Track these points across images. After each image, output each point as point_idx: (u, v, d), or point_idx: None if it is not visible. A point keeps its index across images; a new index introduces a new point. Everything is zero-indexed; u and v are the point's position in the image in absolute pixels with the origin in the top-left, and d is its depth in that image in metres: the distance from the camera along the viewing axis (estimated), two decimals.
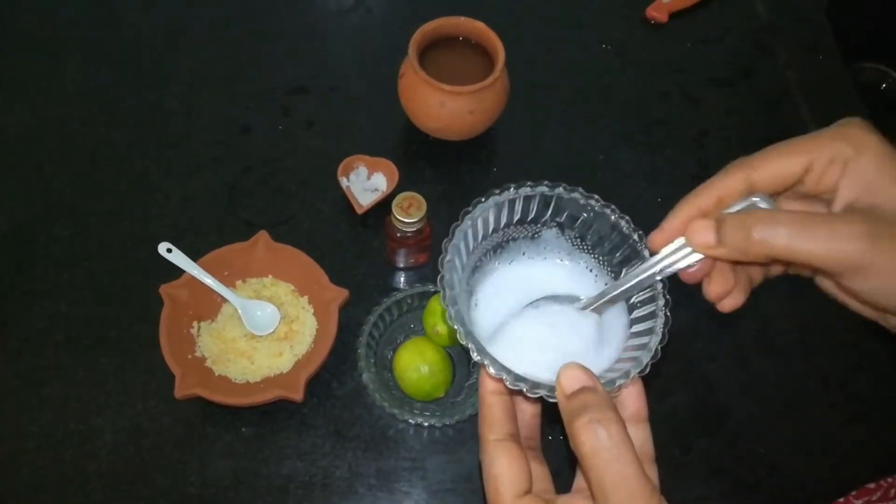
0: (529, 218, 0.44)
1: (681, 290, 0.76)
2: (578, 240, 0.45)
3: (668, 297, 0.42)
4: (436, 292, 0.69)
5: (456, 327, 0.39)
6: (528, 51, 0.91)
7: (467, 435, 0.68)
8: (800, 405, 0.71)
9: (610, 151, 0.85)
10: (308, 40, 0.91)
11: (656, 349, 0.41)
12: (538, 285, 0.45)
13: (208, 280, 0.69)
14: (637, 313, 0.44)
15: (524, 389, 0.38)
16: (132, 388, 0.69)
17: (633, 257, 0.43)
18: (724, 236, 0.38)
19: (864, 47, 1.13)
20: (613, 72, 0.92)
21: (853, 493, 0.66)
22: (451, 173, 0.82)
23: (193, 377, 0.65)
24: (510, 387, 0.38)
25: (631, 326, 0.44)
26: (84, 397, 0.69)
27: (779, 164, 0.40)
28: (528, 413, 0.43)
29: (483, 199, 0.41)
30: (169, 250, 0.69)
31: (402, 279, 0.76)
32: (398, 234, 0.69)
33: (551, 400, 0.38)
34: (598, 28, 0.95)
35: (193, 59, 0.89)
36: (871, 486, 0.66)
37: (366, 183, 0.79)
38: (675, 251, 0.40)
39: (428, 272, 0.76)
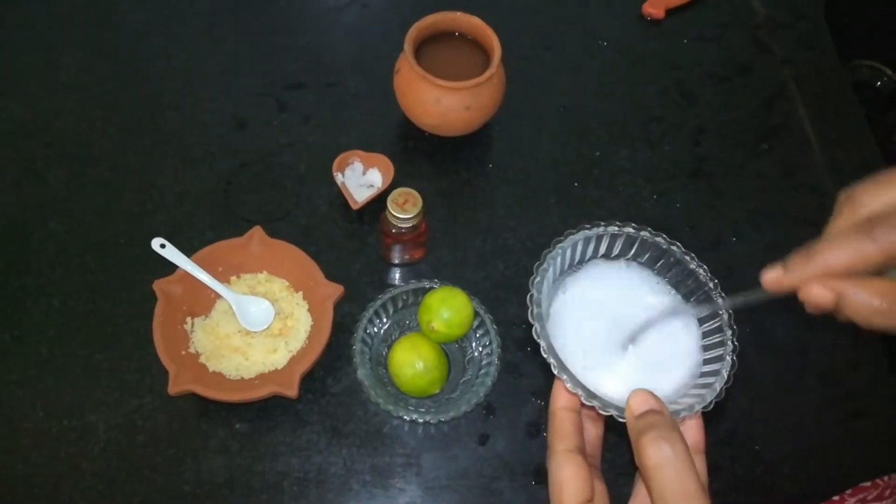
0: (614, 253, 0.49)
1: None
2: (659, 277, 0.49)
3: (735, 343, 0.46)
4: (431, 289, 0.68)
5: (540, 342, 0.42)
6: (524, 47, 0.91)
7: (462, 432, 0.68)
8: (796, 403, 0.71)
9: (606, 147, 0.84)
10: (304, 35, 0.91)
11: (721, 389, 0.45)
12: (607, 306, 0.48)
13: (202, 276, 0.68)
14: (706, 354, 0.47)
15: (597, 406, 0.41)
16: (126, 385, 0.69)
17: (706, 302, 0.47)
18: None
19: (860, 45, 1.12)
20: (610, 68, 0.91)
21: (848, 491, 0.66)
22: (447, 169, 0.82)
23: (187, 374, 0.65)
24: (584, 402, 0.41)
25: (701, 364, 0.47)
26: (78, 394, 0.68)
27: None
28: (593, 434, 0.47)
29: (574, 232, 0.46)
30: (163, 246, 0.69)
31: (398, 275, 0.76)
32: (393, 230, 0.69)
33: (619, 419, 0.40)
34: (594, 24, 0.95)
35: (189, 53, 0.89)
36: (867, 484, 0.66)
37: (361, 178, 0.79)
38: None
39: (423, 268, 0.76)
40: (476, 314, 0.68)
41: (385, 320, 0.71)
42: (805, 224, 0.81)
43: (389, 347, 0.69)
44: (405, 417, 0.64)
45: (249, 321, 0.69)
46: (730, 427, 0.70)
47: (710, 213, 0.81)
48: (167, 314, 0.67)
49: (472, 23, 0.77)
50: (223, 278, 0.70)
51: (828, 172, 0.84)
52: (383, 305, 0.69)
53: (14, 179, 0.79)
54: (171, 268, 0.69)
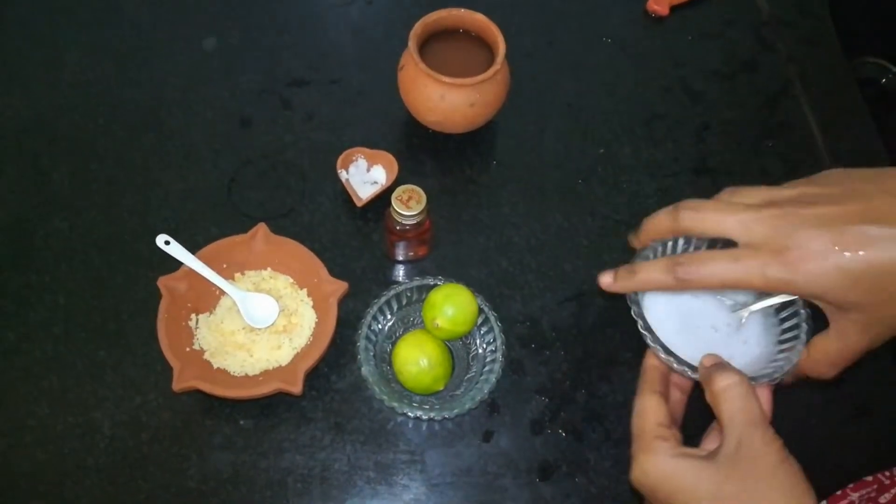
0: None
1: None
2: None
3: (810, 323, 0.53)
4: (435, 286, 0.68)
5: (637, 319, 0.54)
6: (528, 44, 0.91)
7: (466, 429, 0.68)
8: (797, 399, 0.71)
9: (610, 145, 0.84)
10: (308, 32, 0.91)
11: (796, 361, 0.53)
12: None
13: (207, 272, 0.68)
14: (784, 333, 0.56)
15: (673, 364, 0.52)
16: (131, 382, 0.69)
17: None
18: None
19: (865, 42, 1.12)
20: (614, 65, 0.91)
21: (850, 485, 0.66)
22: (451, 166, 0.81)
23: (192, 370, 0.65)
24: (663, 361, 0.53)
25: (778, 343, 0.56)
26: (82, 390, 0.69)
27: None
28: (677, 397, 0.55)
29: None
30: (167, 242, 0.69)
31: (402, 272, 0.76)
32: (398, 227, 0.69)
33: (692, 376, 0.52)
34: (599, 21, 0.95)
35: (193, 50, 0.89)
36: (869, 478, 0.66)
37: (365, 175, 0.78)
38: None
39: (427, 265, 0.76)
40: (480, 311, 0.68)
41: (389, 317, 0.71)
42: None
43: (394, 344, 0.69)
44: (409, 414, 0.64)
45: (254, 318, 0.69)
46: None
47: None
48: (172, 311, 0.67)
49: (476, 19, 0.77)
50: (228, 275, 0.70)
51: (833, 168, 0.84)
52: (387, 302, 0.69)
53: (18, 177, 0.80)
54: (175, 264, 0.69)
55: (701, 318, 0.57)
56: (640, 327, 0.54)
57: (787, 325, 0.55)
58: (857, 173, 0.47)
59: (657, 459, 0.46)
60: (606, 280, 0.56)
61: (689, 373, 0.52)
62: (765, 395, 0.50)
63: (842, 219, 0.44)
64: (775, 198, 0.48)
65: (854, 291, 0.44)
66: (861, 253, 0.43)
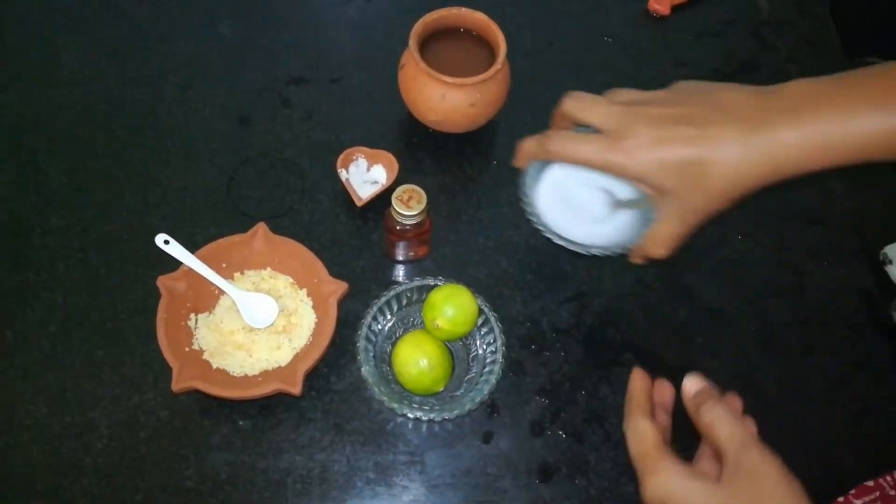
0: None
1: (681, 288, 0.77)
2: None
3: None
4: (435, 286, 0.68)
5: (526, 208, 0.66)
6: (529, 43, 0.90)
7: (466, 430, 0.68)
8: (800, 403, 0.71)
9: None
10: (307, 30, 0.91)
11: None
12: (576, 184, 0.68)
13: (206, 272, 0.68)
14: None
15: (557, 240, 0.65)
16: (129, 381, 0.69)
17: None
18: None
19: (865, 42, 1.12)
20: (615, 64, 0.91)
21: (852, 491, 0.65)
22: (452, 166, 0.81)
23: (191, 370, 0.64)
24: (566, 247, 0.65)
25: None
26: (80, 390, 0.68)
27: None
28: (663, 419, 0.57)
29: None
30: (166, 242, 0.68)
31: (402, 272, 0.75)
32: (398, 227, 0.69)
33: (572, 248, 0.64)
34: (599, 20, 0.94)
35: (191, 47, 0.88)
36: (870, 483, 0.66)
37: (365, 175, 0.78)
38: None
39: (427, 265, 0.75)
40: (480, 312, 0.68)
41: (389, 317, 0.71)
42: (810, 222, 0.81)
43: (393, 345, 0.68)
44: (409, 415, 0.64)
45: (253, 318, 0.69)
46: None
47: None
48: (171, 310, 0.66)
49: (477, 18, 0.77)
50: (227, 275, 0.70)
51: (832, 170, 0.84)
52: (387, 302, 0.69)
53: (16, 175, 0.79)
54: (173, 263, 0.69)
55: (581, 207, 0.67)
56: (528, 214, 0.66)
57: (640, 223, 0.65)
58: (699, 85, 0.56)
59: (669, 480, 0.49)
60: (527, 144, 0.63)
61: (570, 247, 0.64)
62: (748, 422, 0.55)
63: (667, 118, 0.53)
64: (634, 99, 0.57)
65: (668, 179, 0.53)
66: (672, 147, 0.52)
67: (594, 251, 0.64)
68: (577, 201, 0.68)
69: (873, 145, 0.50)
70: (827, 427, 0.70)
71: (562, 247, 0.65)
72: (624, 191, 0.66)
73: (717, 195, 0.54)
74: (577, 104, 0.58)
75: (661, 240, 0.59)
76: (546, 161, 0.68)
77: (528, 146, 0.62)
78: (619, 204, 0.67)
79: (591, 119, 0.57)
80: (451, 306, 0.65)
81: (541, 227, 0.66)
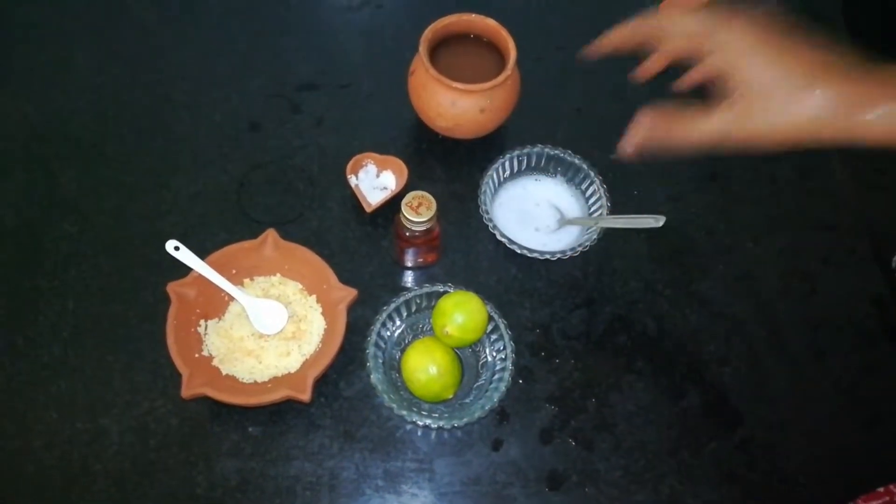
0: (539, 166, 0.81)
1: (692, 294, 0.76)
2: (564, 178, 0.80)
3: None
4: (445, 292, 0.68)
5: (487, 222, 0.73)
6: (537, 48, 0.90)
7: (475, 437, 0.68)
8: (811, 409, 0.71)
9: None
10: (318, 36, 0.91)
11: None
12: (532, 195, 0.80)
13: (216, 278, 0.68)
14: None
15: (507, 244, 0.73)
16: (139, 387, 0.69)
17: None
18: None
19: (878, 45, 1.11)
20: (624, 70, 0.90)
21: (861, 497, 0.65)
22: (461, 172, 0.81)
23: (201, 376, 0.64)
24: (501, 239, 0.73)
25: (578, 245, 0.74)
26: (90, 396, 0.68)
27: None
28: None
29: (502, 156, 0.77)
30: (176, 248, 0.68)
31: (411, 279, 0.75)
32: (407, 234, 0.69)
33: (521, 252, 0.72)
34: (609, 26, 0.94)
35: (202, 54, 0.89)
36: (881, 490, 0.65)
37: (375, 181, 0.78)
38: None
39: (437, 272, 0.75)
40: (490, 318, 0.68)
41: (398, 324, 0.71)
42: (821, 228, 0.80)
43: (403, 351, 0.68)
44: (418, 422, 0.64)
45: (263, 324, 0.69)
46: (746, 433, 0.69)
47: (725, 217, 0.80)
48: (181, 317, 0.67)
49: (487, 24, 0.77)
50: (237, 281, 0.70)
51: (843, 175, 0.83)
52: (397, 309, 0.69)
53: (27, 180, 0.79)
54: (183, 269, 0.69)
55: (531, 220, 0.78)
56: (490, 227, 0.73)
57: (584, 237, 0.75)
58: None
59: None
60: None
61: (518, 250, 0.72)
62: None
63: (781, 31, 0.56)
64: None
65: (763, 76, 0.53)
66: (785, 54, 0.54)
67: (546, 255, 0.72)
68: (530, 216, 0.78)
69: None
70: (838, 433, 0.70)
71: (518, 253, 0.72)
72: (571, 209, 0.78)
73: (788, 118, 0.53)
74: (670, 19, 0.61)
75: (702, 132, 0.58)
76: (501, 184, 0.79)
77: (634, 26, 0.65)
78: (565, 221, 0.77)
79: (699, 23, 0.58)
80: (461, 313, 0.65)
81: (503, 240, 0.73)
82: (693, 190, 0.82)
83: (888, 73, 0.52)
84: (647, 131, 0.61)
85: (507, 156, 0.78)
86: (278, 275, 0.72)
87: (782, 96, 0.53)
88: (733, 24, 0.56)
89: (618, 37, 0.65)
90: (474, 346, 0.70)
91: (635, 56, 0.91)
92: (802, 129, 0.53)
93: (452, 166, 0.81)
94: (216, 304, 0.70)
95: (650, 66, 0.66)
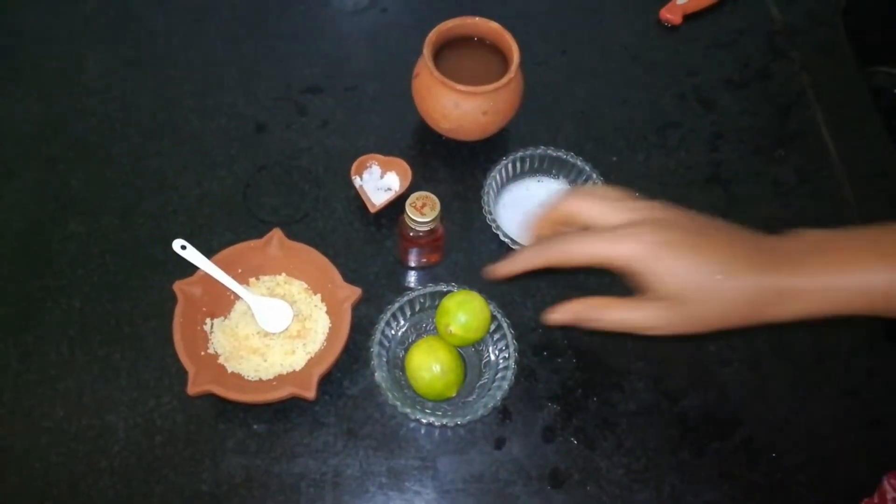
0: (542, 168, 0.81)
1: None
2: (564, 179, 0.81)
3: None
4: (448, 292, 0.69)
5: (490, 223, 0.75)
6: (540, 51, 0.91)
7: (478, 435, 0.68)
8: (813, 410, 0.71)
9: (623, 153, 0.84)
10: (322, 40, 0.92)
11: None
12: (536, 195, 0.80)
13: (222, 277, 0.69)
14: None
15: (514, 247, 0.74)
16: (145, 385, 0.69)
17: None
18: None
19: (878, 51, 1.12)
20: (627, 73, 0.92)
21: (866, 500, 0.65)
22: (465, 173, 0.82)
23: (207, 374, 0.65)
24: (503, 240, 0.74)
25: None
26: (97, 393, 0.69)
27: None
28: None
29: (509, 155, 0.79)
30: (183, 247, 0.69)
31: (415, 279, 0.76)
32: (411, 234, 0.69)
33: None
34: (611, 29, 0.95)
35: (208, 56, 0.90)
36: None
37: (379, 182, 0.79)
38: None
39: (440, 272, 0.76)
40: (493, 318, 0.68)
41: (402, 323, 0.71)
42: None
43: (406, 350, 0.69)
44: (422, 420, 0.64)
45: (268, 323, 0.70)
46: (746, 434, 0.69)
47: (726, 219, 0.80)
48: (187, 315, 0.67)
49: (490, 28, 0.77)
50: (242, 280, 0.71)
51: (845, 179, 0.84)
52: (401, 308, 0.70)
53: (35, 181, 0.80)
54: (189, 268, 0.70)
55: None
56: (493, 228, 0.74)
57: None
58: (703, 218, 0.56)
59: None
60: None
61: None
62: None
63: (694, 226, 0.53)
64: (637, 199, 0.56)
65: (682, 284, 0.51)
66: (699, 254, 0.51)
67: None
68: (532, 217, 0.73)
69: (877, 300, 0.51)
70: (839, 434, 0.70)
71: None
72: None
73: (719, 314, 0.52)
74: (583, 200, 0.55)
75: (622, 321, 0.56)
76: (503, 185, 0.79)
77: (524, 258, 0.59)
78: None
79: (602, 216, 0.54)
80: (465, 312, 0.65)
81: (506, 240, 0.74)
82: (695, 192, 0.82)
83: (799, 258, 0.52)
84: (573, 315, 0.58)
85: (510, 157, 0.78)
86: (284, 274, 0.73)
87: (696, 297, 0.52)
88: (646, 223, 0.53)
89: (535, 258, 0.59)
90: (477, 346, 0.71)
91: (637, 62, 0.93)
92: (720, 322, 0.53)
93: (456, 168, 0.82)
94: (222, 302, 0.71)
95: (514, 267, 0.60)
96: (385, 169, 0.79)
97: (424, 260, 0.74)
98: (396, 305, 0.69)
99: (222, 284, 0.69)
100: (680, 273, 0.51)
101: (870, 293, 0.50)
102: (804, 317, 0.52)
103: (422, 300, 0.71)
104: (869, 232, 0.53)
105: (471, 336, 0.66)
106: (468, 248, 0.77)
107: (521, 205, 0.79)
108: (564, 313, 0.58)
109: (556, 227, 0.58)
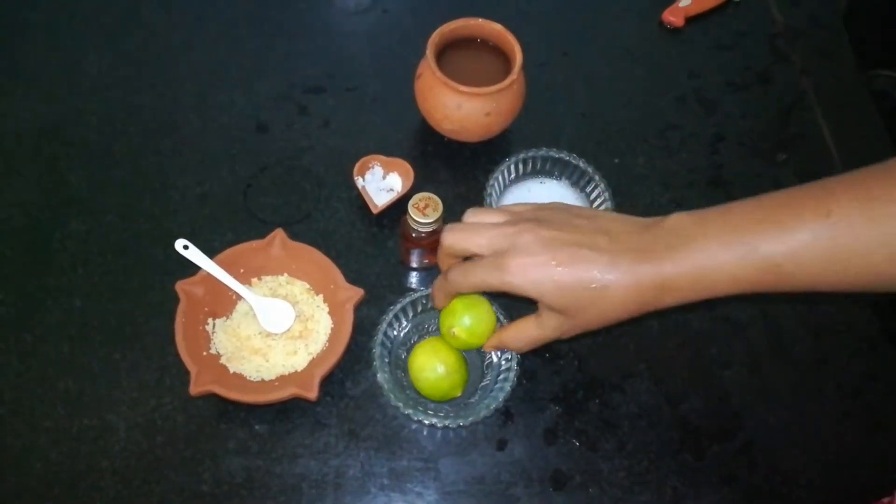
0: (545, 170, 0.81)
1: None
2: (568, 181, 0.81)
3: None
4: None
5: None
6: (542, 53, 0.91)
7: (480, 436, 0.68)
8: (814, 413, 0.71)
9: (625, 155, 0.85)
10: (324, 40, 0.92)
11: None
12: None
13: (224, 277, 0.69)
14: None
15: None
16: (146, 385, 0.69)
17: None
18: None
19: (879, 55, 1.12)
20: (628, 75, 0.92)
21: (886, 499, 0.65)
22: (467, 174, 0.82)
23: (208, 374, 0.65)
24: None
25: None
26: (98, 393, 0.69)
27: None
28: None
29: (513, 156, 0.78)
30: (185, 247, 0.69)
31: (417, 280, 0.76)
32: (413, 235, 0.69)
33: None
34: (613, 31, 0.95)
35: (210, 55, 0.90)
36: (886, 500, 0.65)
37: (381, 183, 0.79)
38: None
39: None
40: (496, 320, 0.68)
41: (405, 324, 0.71)
42: None
43: (408, 351, 0.69)
44: (423, 421, 0.64)
45: (270, 323, 0.69)
46: (747, 437, 0.70)
47: None
48: (189, 315, 0.67)
49: (493, 29, 0.77)
50: (244, 280, 0.71)
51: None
52: (403, 309, 0.70)
53: (36, 179, 0.80)
54: (190, 268, 0.70)
55: None
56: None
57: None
58: (578, 210, 0.58)
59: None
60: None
61: None
62: None
63: (561, 241, 0.53)
64: (511, 219, 0.57)
65: (562, 299, 0.53)
66: (569, 269, 0.52)
67: None
68: None
69: (743, 280, 0.50)
70: (840, 437, 0.70)
71: None
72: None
73: (604, 318, 0.54)
74: (459, 235, 0.57)
75: (529, 341, 0.59)
76: (506, 186, 0.79)
77: (437, 288, 0.62)
78: None
79: (479, 247, 0.56)
80: (470, 316, 0.64)
81: None
82: (696, 194, 0.82)
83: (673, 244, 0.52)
84: (496, 343, 0.63)
85: (513, 158, 0.78)
86: (286, 274, 0.72)
87: (578, 306, 0.53)
88: (518, 249, 0.54)
89: (440, 291, 0.62)
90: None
91: (639, 63, 0.93)
92: (612, 320, 0.54)
93: (458, 169, 0.82)
94: (224, 302, 0.71)
95: (437, 303, 0.65)
96: (387, 170, 0.79)
97: (426, 261, 0.74)
98: (398, 306, 0.69)
99: (224, 284, 0.69)
100: (556, 289, 0.53)
101: (752, 270, 0.50)
102: (688, 303, 0.53)
103: (424, 301, 0.71)
104: (746, 204, 0.53)
105: (473, 341, 0.65)
106: None
107: None
108: (490, 344, 0.64)
109: (453, 260, 0.60)
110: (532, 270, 0.53)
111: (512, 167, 0.79)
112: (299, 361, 0.68)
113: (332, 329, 0.70)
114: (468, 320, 0.64)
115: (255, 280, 0.72)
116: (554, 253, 0.53)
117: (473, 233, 0.57)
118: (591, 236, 0.54)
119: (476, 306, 0.65)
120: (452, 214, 0.77)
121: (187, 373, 0.64)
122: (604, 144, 0.85)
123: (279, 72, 0.88)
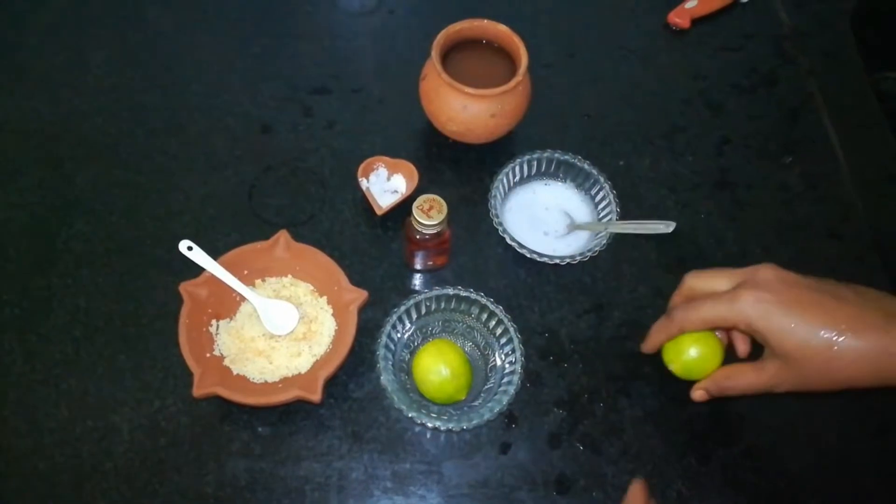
0: (549, 172, 0.81)
1: None
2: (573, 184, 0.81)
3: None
4: (455, 296, 0.69)
5: (497, 226, 0.74)
6: (548, 54, 0.91)
7: (483, 440, 0.68)
8: (820, 417, 0.71)
9: (630, 157, 0.84)
10: (330, 41, 0.91)
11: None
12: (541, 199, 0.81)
13: (228, 279, 0.69)
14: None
15: (518, 249, 0.73)
16: (150, 386, 0.69)
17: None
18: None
19: (885, 57, 1.12)
20: (634, 77, 0.91)
21: None
22: (472, 176, 0.82)
23: (212, 376, 0.65)
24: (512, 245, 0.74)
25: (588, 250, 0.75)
26: (102, 394, 0.69)
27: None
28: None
29: (518, 157, 0.78)
30: (190, 248, 0.69)
31: (421, 282, 0.76)
32: (418, 237, 0.69)
33: (530, 256, 0.73)
34: (619, 33, 0.95)
35: (215, 57, 0.90)
36: None
37: (385, 184, 0.79)
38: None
39: (446, 275, 0.76)
40: (500, 322, 0.68)
41: (408, 326, 0.71)
42: (830, 237, 0.80)
43: (412, 353, 0.69)
44: (427, 424, 0.64)
45: (274, 325, 0.69)
46: (752, 439, 0.69)
47: (734, 225, 0.81)
48: (193, 316, 0.67)
49: (499, 30, 0.77)
50: (248, 281, 0.71)
51: (852, 184, 0.84)
52: (407, 311, 0.69)
53: (41, 180, 0.80)
54: (194, 269, 0.69)
55: (541, 224, 0.78)
56: (500, 231, 0.74)
57: (594, 242, 0.75)
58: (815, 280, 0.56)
59: None
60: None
61: (527, 254, 0.73)
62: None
63: (804, 284, 0.53)
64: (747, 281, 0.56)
65: (790, 343, 0.52)
66: (808, 313, 0.51)
67: (556, 260, 0.73)
68: (540, 220, 0.79)
69: None
70: (845, 440, 0.70)
71: (528, 257, 0.73)
72: (580, 214, 0.79)
73: (830, 377, 0.52)
74: (703, 273, 0.60)
75: (743, 385, 0.59)
76: (511, 188, 0.79)
77: (658, 330, 0.64)
78: (575, 225, 0.78)
79: (720, 284, 0.58)
80: (697, 346, 0.65)
81: (512, 243, 0.74)
82: (702, 197, 0.82)
83: None
84: (713, 389, 0.63)
85: (518, 160, 0.78)
86: (290, 276, 0.72)
87: (812, 356, 0.52)
88: (758, 283, 0.54)
89: (662, 332, 0.64)
90: (484, 350, 0.71)
91: (644, 65, 0.92)
92: (843, 384, 0.53)
93: (463, 170, 0.82)
94: (228, 304, 0.71)
95: (654, 341, 0.66)
96: (392, 171, 0.79)
97: (431, 263, 0.74)
98: (402, 308, 0.69)
99: (228, 286, 0.69)
100: (793, 332, 0.51)
101: None
102: None
103: (428, 303, 0.70)
104: None
105: (695, 373, 0.66)
106: (475, 251, 0.77)
107: (528, 208, 0.79)
108: (701, 384, 0.64)
109: (685, 300, 0.61)
110: (768, 306, 0.52)
111: (517, 169, 0.78)
112: (303, 363, 0.68)
113: (335, 331, 0.70)
114: (694, 351, 0.64)
115: (258, 281, 0.72)
116: (796, 292, 0.52)
117: (714, 272, 0.59)
118: (836, 287, 0.52)
119: (706, 338, 0.65)
120: (457, 217, 0.78)
121: (191, 374, 0.64)
122: (609, 146, 0.85)
123: (284, 73, 0.88)
